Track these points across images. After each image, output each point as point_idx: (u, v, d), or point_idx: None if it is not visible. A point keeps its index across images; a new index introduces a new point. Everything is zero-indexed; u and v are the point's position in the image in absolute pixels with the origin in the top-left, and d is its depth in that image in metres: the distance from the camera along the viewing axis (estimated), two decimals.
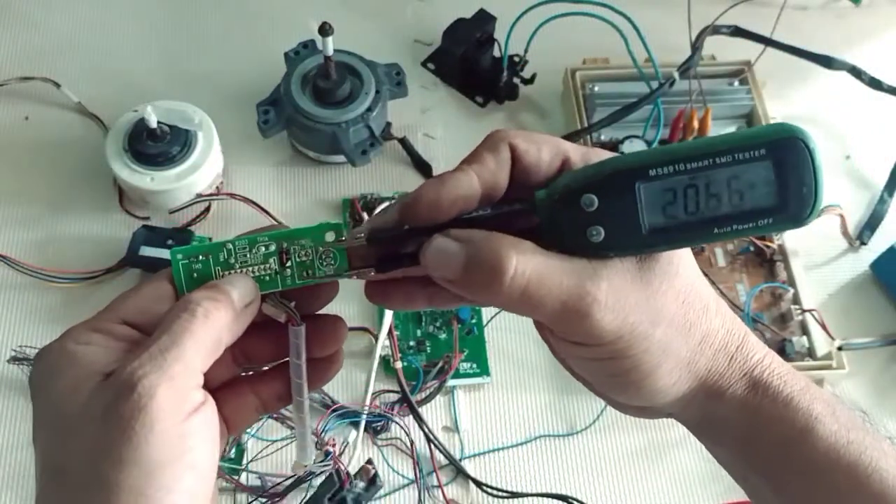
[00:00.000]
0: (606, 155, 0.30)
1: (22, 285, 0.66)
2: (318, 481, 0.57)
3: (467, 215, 0.29)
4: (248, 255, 0.31)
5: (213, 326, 0.28)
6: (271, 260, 0.31)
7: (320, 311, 0.33)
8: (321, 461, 0.55)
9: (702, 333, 0.30)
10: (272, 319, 0.31)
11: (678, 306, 0.30)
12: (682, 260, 0.30)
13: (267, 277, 0.31)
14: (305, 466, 0.35)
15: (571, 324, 0.29)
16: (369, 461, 0.57)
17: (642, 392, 0.31)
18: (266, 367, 0.34)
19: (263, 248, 0.31)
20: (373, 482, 0.56)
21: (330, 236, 0.30)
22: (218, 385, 0.32)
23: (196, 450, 0.27)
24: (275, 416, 0.59)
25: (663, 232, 0.28)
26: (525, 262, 0.27)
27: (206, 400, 0.28)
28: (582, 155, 0.30)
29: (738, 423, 0.32)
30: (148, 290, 0.30)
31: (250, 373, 0.34)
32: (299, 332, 0.31)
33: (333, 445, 0.57)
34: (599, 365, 0.31)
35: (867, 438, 0.31)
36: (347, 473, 0.54)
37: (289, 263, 0.31)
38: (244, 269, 0.31)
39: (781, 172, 0.26)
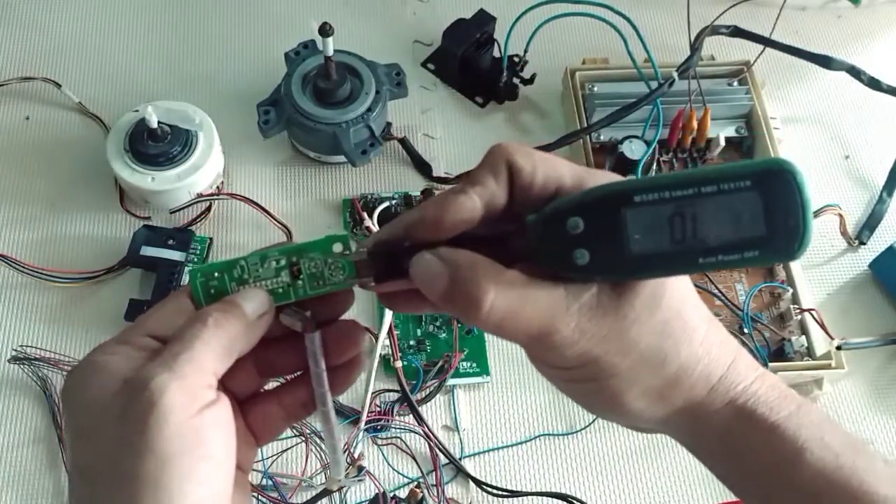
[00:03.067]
0: (604, 180, 0.30)
1: (22, 285, 0.66)
2: (345, 492, 0.58)
3: (464, 234, 0.30)
4: (261, 270, 0.32)
5: (222, 333, 0.30)
6: (283, 273, 0.32)
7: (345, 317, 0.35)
8: (354, 476, 0.55)
9: (678, 364, 0.31)
10: (292, 331, 0.33)
11: (654, 337, 0.30)
12: (667, 290, 0.30)
13: (280, 290, 0.32)
14: (339, 481, 0.36)
15: (541, 353, 0.31)
16: (418, 485, 0.57)
17: (613, 413, 0.32)
18: (289, 378, 0.35)
19: (275, 263, 0.32)
20: None
21: (337, 247, 0.32)
22: (245, 398, 0.34)
23: (210, 443, 0.28)
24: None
25: (647, 259, 0.28)
26: (501, 298, 0.28)
27: (218, 398, 0.29)
28: (577, 179, 0.31)
29: (721, 449, 0.32)
30: (170, 305, 0.32)
31: (275, 385, 0.35)
32: (314, 338, 0.32)
33: (362, 459, 0.58)
34: (570, 385, 0.32)
35: (858, 461, 0.31)
36: (394, 496, 0.54)
37: (300, 276, 0.32)
38: (258, 284, 0.32)
39: (768, 204, 0.26)
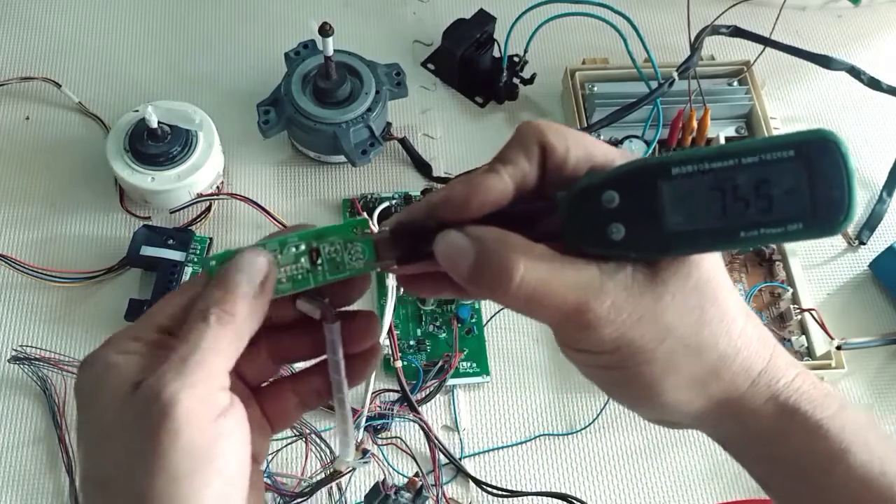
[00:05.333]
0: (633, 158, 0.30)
1: (22, 285, 0.66)
2: (344, 481, 0.58)
3: (491, 214, 0.29)
4: (280, 257, 0.31)
5: (228, 328, 0.29)
6: (302, 259, 0.31)
7: (353, 308, 0.34)
8: (361, 458, 0.55)
9: (718, 354, 0.29)
10: (306, 317, 0.32)
11: (691, 323, 0.28)
12: (703, 274, 0.29)
13: (300, 276, 0.31)
14: (348, 462, 0.35)
15: (572, 333, 0.29)
16: (416, 474, 0.58)
17: (647, 405, 0.31)
18: (305, 366, 0.35)
19: (294, 249, 0.31)
20: (419, 494, 0.55)
21: (357, 233, 0.31)
22: (257, 384, 0.33)
23: (225, 454, 0.27)
24: None
25: (686, 234, 0.27)
26: (532, 271, 0.27)
27: (232, 402, 0.28)
28: (609, 160, 0.30)
29: (761, 448, 0.31)
30: (179, 297, 0.31)
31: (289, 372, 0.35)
32: (334, 328, 0.31)
33: (366, 443, 0.59)
34: (601, 372, 0.31)
35: None
36: (394, 485, 0.55)
37: (319, 261, 0.31)
38: (277, 269, 0.31)
39: (811, 175, 0.25)
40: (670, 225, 0.27)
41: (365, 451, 0.57)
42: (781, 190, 0.26)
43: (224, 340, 0.28)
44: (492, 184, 0.28)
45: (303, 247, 0.31)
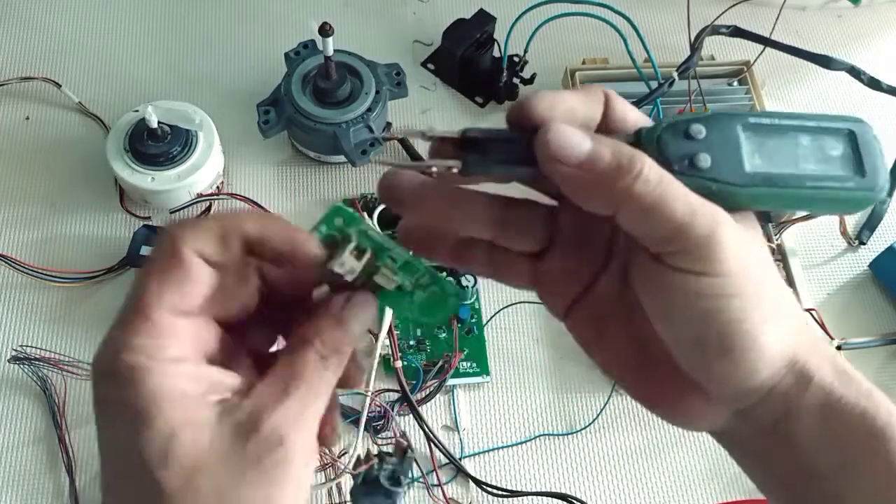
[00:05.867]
0: None
1: (22, 285, 0.66)
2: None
3: None
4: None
5: (336, 376, 0.29)
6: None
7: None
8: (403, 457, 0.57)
9: (799, 317, 0.29)
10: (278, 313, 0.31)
11: (777, 287, 0.29)
12: (758, 260, 0.28)
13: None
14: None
15: (698, 242, 0.26)
16: (403, 434, 0.58)
17: (734, 360, 0.27)
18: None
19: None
20: (404, 455, 0.56)
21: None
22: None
23: (307, 485, 0.28)
24: None
25: (762, 175, 0.29)
26: (655, 168, 0.26)
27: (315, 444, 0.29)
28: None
29: (814, 423, 0.28)
30: (182, 271, 0.27)
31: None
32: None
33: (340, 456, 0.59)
34: (703, 308, 0.27)
35: None
36: (380, 451, 0.54)
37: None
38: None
39: (858, 147, 0.30)
40: (748, 164, 0.29)
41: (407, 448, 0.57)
42: (836, 152, 0.30)
43: (331, 389, 0.28)
44: (573, 98, 0.28)
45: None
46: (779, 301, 0.28)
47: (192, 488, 0.25)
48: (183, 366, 0.26)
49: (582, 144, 0.26)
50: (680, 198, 0.26)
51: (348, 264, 0.29)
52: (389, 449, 0.58)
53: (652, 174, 0.26)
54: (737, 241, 0.26)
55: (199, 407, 0.26)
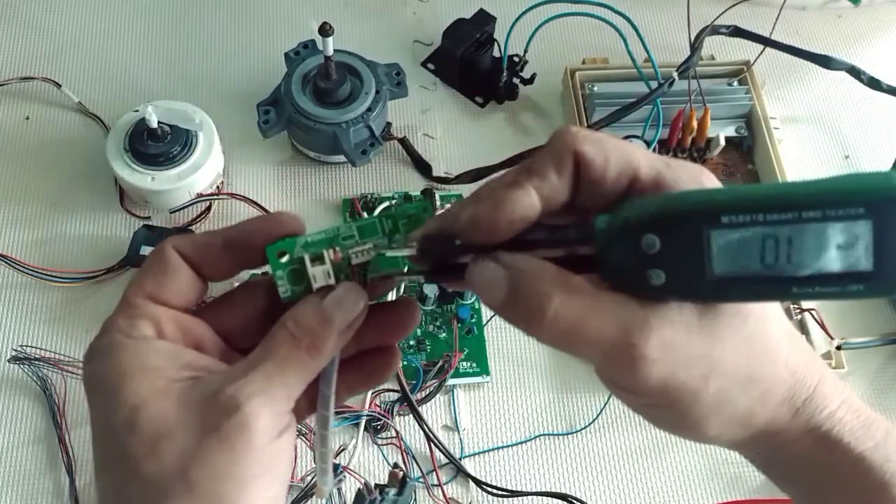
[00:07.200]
0: (685, 176, 0.27)
1: (22, 285, 0.66)
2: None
3: (522, 234, 0.28)
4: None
5: (315, 360, 0.29)
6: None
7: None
8: (335, 479, 0.55)
9: (764, 386, 0.28)
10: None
11: (741, 357, 0.27)
12: (751, 305, 0.28)
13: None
14: (326, 490, 0.34)
15: (614, 372, 0.27)
16: (395, 465, 0.57)
17: (689, 437, 0.30)
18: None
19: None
20: (404, 484, 0.55)
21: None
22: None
23: (282, 463, 0.28)
24: None
25: (733, 283, 0.25)
26: (568, 306, 0.26)
27: (292, 419, 0.29)
28: (654, 173, 0.27)
29: (802, 477, 0.30)
30: (174, 274, 0.30)
31: None
32: (334, 358, 0.31)
33: (339, 454, 0.59)
34: (644, 409, 0.29)
35: None
36: (377, 486, 0.54)
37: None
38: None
39: (881, 235, 0.23)
40: (715, 274, 0.25)
41: (336, 467, 0.57)
42: (844, 248, 0.23)
43: (308, 370, 0.29)
44: (517, 200, 0.27)
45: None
46: (721, 399, 0.27)
47: (156, 453, 0.26)
48: (156, 343, 0.28)
49: (497, 290, 0.27)
50: (594, 337, 0.26)
51: (319, 275, 0.30)
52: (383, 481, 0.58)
53: (558, 323, 0.26)
54: (656, 368, 0.26)
55: (170, 380, 0.27)
